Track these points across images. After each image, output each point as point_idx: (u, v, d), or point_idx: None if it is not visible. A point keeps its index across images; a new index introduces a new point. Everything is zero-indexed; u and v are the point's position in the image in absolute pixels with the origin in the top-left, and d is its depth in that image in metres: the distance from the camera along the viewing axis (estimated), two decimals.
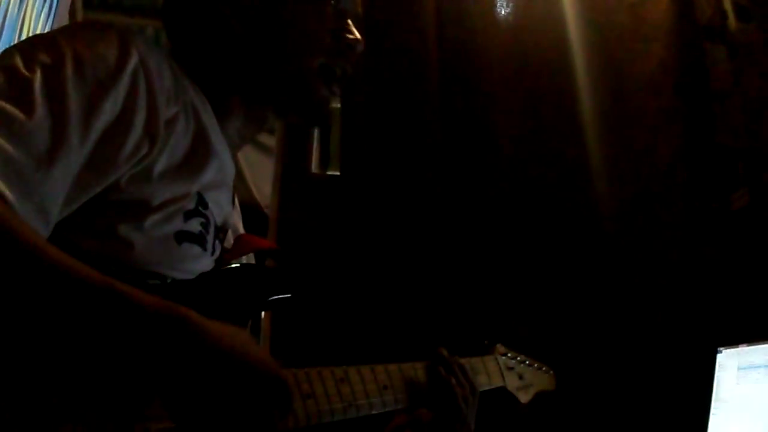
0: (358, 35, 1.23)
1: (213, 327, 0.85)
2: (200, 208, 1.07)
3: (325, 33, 1.21)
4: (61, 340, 0.78)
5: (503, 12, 2.68)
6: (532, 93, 2.63)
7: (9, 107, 0.83)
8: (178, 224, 1.02)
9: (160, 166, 0.99)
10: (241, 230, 1.33)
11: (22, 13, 1.96)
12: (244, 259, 1.24)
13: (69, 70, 0.90)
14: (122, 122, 0.93)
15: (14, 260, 0.76)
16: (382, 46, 2.52)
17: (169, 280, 1.00)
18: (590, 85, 2.63)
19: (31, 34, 2.05)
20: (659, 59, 2.67)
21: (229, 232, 1.24)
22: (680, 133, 2.64)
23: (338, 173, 2.37)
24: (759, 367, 1.99)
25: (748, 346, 2.04)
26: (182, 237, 1.03)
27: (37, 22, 2.09)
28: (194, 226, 1.05)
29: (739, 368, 2.04)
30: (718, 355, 2.10)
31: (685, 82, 2.67)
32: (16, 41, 1.92)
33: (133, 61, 0.96)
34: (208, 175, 1.09)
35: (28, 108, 0.85)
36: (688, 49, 2.70)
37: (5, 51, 0.93)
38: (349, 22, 1.24)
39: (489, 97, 2.61)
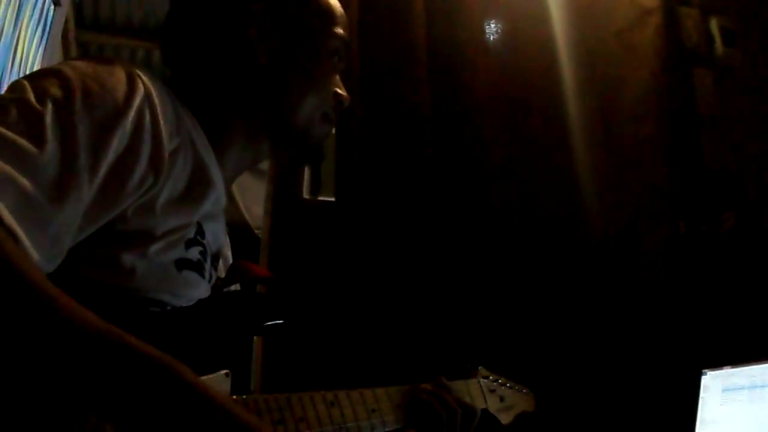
0: (346, 93, 1.30)
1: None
2: (199, 237, 1.09)
3: (332, 86, 1.26)
4: (73, 389, 0.78)
5: (492, 39, 2.72)
6: (521, 119, 2.66)
7: (22, 141, 0.84)
8: (179, 252, 1.04)
9: (163, 198, 1.01)
10: (230, 259, 1.35)
11: (17, 34, 1.97)
12: (237, 286, 1.27)
13: (78, 104, 0.91)
14: (129, 155, 0.95)
15: (27, 308, 0.77)
16: (376, 73, 2.54)
17: (168, 307, 1.02)
18: (579, 111, 2.65)
19: (25, 54, 2.07)
20: (647, 85, 2.70)
21: (221, 261, 1.27)
22: (668, 157, 2.67)
23: (333, 199, 2.38)
24: (743, 388, 2.01)
25: (732, 368, 2.06)
26: (182, 264, 1.05)
27: (31, 42, 2.11)
28: (193, 254, 1.07)
29: (723, 390, 2.06)
30: (703, 377, 2.12)
31: (672, 106, 2.70)
32: (10, 61, 1.94)
33: (139, 96, 0.97)
34: (207, 206, 1.10)
35: (39, 142, 0.86)
36: (675, 74, 2.74)
37: (15, 83, 0.94)
38: (338, 78, 1.30)
39: (480, 123, 2.63)
